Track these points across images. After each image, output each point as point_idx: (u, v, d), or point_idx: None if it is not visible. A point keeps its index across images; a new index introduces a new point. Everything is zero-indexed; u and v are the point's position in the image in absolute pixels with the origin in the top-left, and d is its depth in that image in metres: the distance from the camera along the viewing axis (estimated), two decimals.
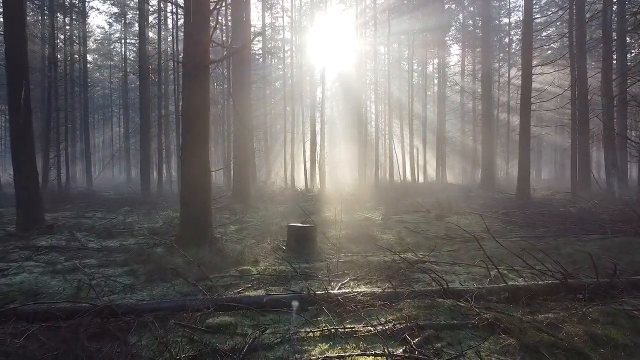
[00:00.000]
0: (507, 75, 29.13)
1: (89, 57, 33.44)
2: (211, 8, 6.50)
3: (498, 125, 28.03)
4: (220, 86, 27.43)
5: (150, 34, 24.84)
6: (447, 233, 7.48)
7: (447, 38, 30.77)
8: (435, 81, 31.16)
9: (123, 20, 29.88)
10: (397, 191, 17.90)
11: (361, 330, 2.86)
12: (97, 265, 5.19)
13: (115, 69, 36.24)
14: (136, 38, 25.34)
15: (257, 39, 27.18)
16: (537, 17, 23.44)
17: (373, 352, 2.54)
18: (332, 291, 3.61)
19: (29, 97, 7.61)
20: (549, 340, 2.66)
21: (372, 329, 2.86)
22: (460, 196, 15.66)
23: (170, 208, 11.84)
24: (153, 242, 6.67)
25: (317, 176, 21.47)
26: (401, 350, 2.55)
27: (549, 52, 26.84)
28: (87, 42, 28.56)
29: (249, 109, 13.91)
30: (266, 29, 27.60)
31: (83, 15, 23.96)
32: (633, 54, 22.05)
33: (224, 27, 22.65)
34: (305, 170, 21.82)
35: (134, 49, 30.76)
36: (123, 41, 32.45)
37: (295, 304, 3.38)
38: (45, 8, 21.77)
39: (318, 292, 3.52)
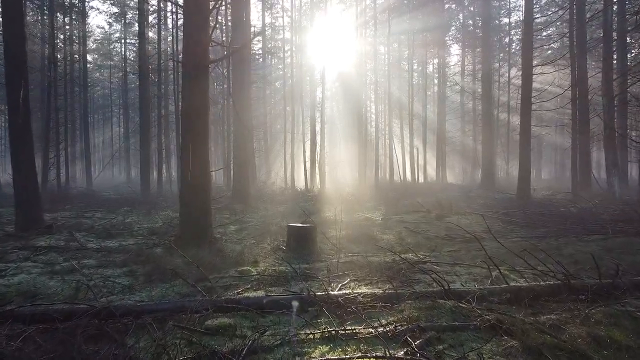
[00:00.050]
0: (507, 75, 29.10)
1: (89, 57, 33.42)
2: (211, 8, 6.48)
3: (498, 125, 28.00)
4: (220, 86, 27.40)
5: (150, 34, 24.84)
6: (448, 233, 7.45)
7: (447, 38, 30.76)
8: (435, 81, 31.14)
9: (123, 20, 29.84)
10: (397, 191, 17.88)
11: (362, 332, 2.83)
12: (95, 265, 5.16)
13: (115, 68, 36.20)
14: (136, 38, 25.30)
15: (257, 38, 27.18)
16: (538, 17, 23.44)
17: (374, 355, 2.51)
18: (332, 292, 3.58)
19: (28, 97, 7.59)
20: (552, 342, 2.63)
21: (373, 330, 2.83)
22: (460, 196, 15.63)
23: (170, 208, 11.81)
24: (152, 243, 6.65)
25: (317, 176, 21.45)
26: (402, 352, 2.52)
27: (549, 52, 26.79)
28: (87, 42, 28.55)
29: (248, 108, 13.88)
30: (266, 29, 27.58)
31: (83, 15, 23.92)
32: (633, 54, 22.05)
33: (224, 27, 22.63)
34: (305, 170, 21.79)
35: (134, 48, 30.75)
36: (123, 41, 32.45)
37: (295, 305, 3.34)
38: (45, 8, 21.75)
39: (318, 293, 3.49)
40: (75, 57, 24.14)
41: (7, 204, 11.38)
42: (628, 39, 19.96)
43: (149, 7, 21.99)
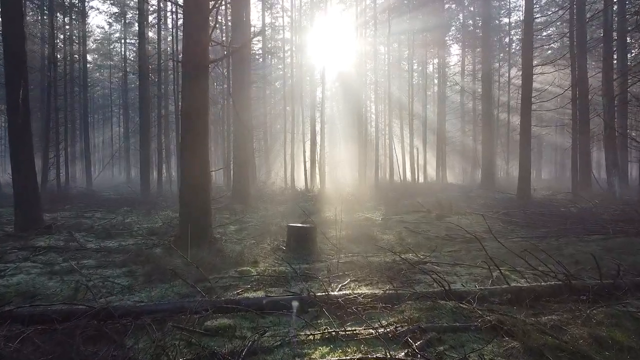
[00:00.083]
0: (507, 75, 29.08)
1: (89, 57, 33.39)
2: (210, 7, 6.47)
3: (498, 125, 27.99)
4: (220, 86, 27.38)
5: (150, 34, 24.82)
6: (448, 233, 7.44)
7: (447, 38, 30.75)
8: (435, 81, 31.13)
9: (123, 20, 29.83)
10: (397, 191, 17.86)
11: (362, 333, 2.82)
12: (95, 266, 5.15)
13: (115, 68, 36.18)
14: (136, 38, 25.29)
15: (257, 38, 27.18)
16: (538, 17, 23.42)
17: (375, 356, 2.50)
18: (332, 293, 3.56)
19: (27, 97, 7.58)
20: (553, 343, 2.62)
21: (373, 331, 2.82)
22: (460, 196, 15.61)
23: (169, 208, 11.80)
24: (152, 243, 6.63)
25: (317, 176, 21.43)
26: (403, 353, 2.51)
27: (549, 52, 26.77)
28: (87, 42, 28.53)
29: (248, 108, 13.87)
30: (266, 28, 27.57)
31: (83, 15, 23.91)
32: (633, 54, 22.04)
33: (224, 27, 22.62)
34: (305, 170, 21.78)
35: (134, 48, 30.73)
36: (123, 41, 32.44)
37: (295, 305, 3.33)
38: (45, 8, 21.73)
39: (318, 294, 3.47)
40: (75, 57, 24.12)
41: (6, 204, 11.36)
42: (628, 39, 19.94)
43: (149, 7, 21.97)
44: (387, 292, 3.59)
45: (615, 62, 16.46)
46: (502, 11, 31.71)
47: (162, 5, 21.40)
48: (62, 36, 23.04)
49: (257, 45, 28.77)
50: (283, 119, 25.00)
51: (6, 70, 7.55)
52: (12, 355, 2.40)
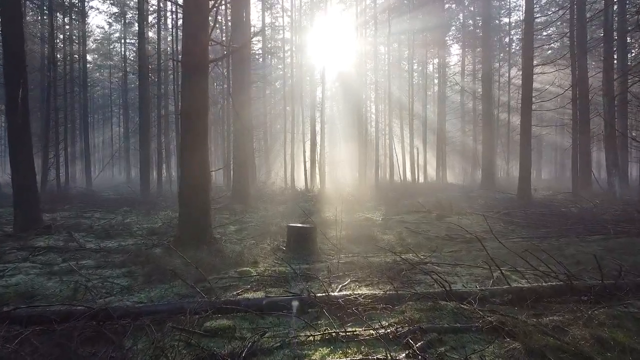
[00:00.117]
0: (507, 75, 29.06)
1: (89, 57, 33.37)
2: (210, 7, 6.46)
3: (498, 125, 27.97)
4: (220, 86, 27.38)
5: (150, 34, 24.81)
6: (448, 233, 7.42)
7: (447, 38, 30.73)
8: (436, 81, 31.11)
9: (123, 20, 29.81)
10: (397, 191, 17.85)
11: (363, 334, 2.80)
12: (94, 266, 5.13)
13: (115, 68, 36.16)
14: (136, 38, 25.29)
15: (257, 38, 27.18)
16: (538, 17, 23.41)
17: (375, 357, 2.48)
18: (332, 293, 3.55)
19: (27, 97, 7.56)
20: (555, 344, 2.60)
21: (373, 332, 2.80)
22: (460, 196, 15.60)
23: (169, 208, 11.78)
24: (152, 243, 6.61)
25: (317, 176, 21.42)
26: (404, 354, 2.49)
27: (550, 52, 26.76)
28: (87, 41, 28.49)
29: (248, 108, 13.85)
30: (266, 28, 27.56)
31: (82, 15, 23.88)
32: (634, 54, 22.03)
33: (224, 27, 22.61)
34: (305, 170, 21.77)
35: (134, 48, 30.72)
36: (123, 41, 32.43)
37: (295, 306, 3.31)
38: (45, 8, 21.70)
39: (318, 295, 3.45)
40: (75, 57, 24.09)
41: (6, 204, 11.34)
42: (628, 38, 19.95)
43: (149, 7, 21.98)
44: (388, 292, 3.57)
45: (615, 61, 16.44)
46: (502, 11, 31.71)
47: (162, 5, 21.42)
48: (62, 36, 23.03)
49: (257, 45, 28.79)
50: (283, 119, 24.99)
51: (5, 70, 7.53)
52: (10, 357, 2.38)
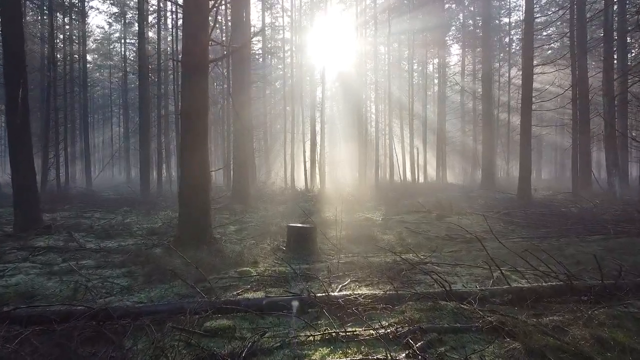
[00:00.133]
0: (507, 75, 29.05)
1: (89, 57, 33.37)
2: (210, 7, 6.46)
3: (498, 125, 27.97)
4: (220, 86, 27.37)
5: (150, 34, 24.81)
6: (448, 233, 7.42)
7: (447, 38, 30.72)
8: (436, 81, 31.11)
9: (123, 20, 29.81)
10: (397, 191, 17.85)
11: (363, 334, 2.80)
12: (94, 266, 5.13)
13: (115, 68, 36.16)
14: (136, 38, 25.28)
15: (257, 38, 27.18)
16: (538, 17, 23.41)
17: (375, 357, 2.48)
18: (332, 293, 3.54)
19: (26, 97, 7.56)
20: (555, 344, 2.60)
21: (374, 332, 2.80)
22: (460, 196, 15.60)
23: (169, 208, 11.78)
24: (152, 243, 6.61)
25: (317, 176, 21.42)
26: (404, 354, 2.49)
27: (550, 52, 26.76)
28: (87, 41, 28.49)
29: (248, 108, 13.85)
30: (266, 28, 27.56)
31: (82, 15, 23.88)
32: (634, 54, 22.03)
33: (224, 27, 22.61)
34: (305, 170, 21.77)
35: (134, 48, 30.71)
36: (123, 41, 32.42)
37: (295, 306, 3.31)
38: (45, 8, 21.70)
39: (318, 295, 3.45)
40: (75, 57, 24.09)
41: (6, 204, 11.34)
42: (628, 38, 19.95)
43: (149, 7, 21.98)
44: (388, 292, 3.57)
45: (615, 61, 16.45)
46: (502, 11, 31.71)
47: (162, 5, 21.42)
48: (62, 36, 23.02)
49: (257, 45, 28.79)
50: (283, 119, 24.99)
51: (5, 70, 7.53)
52: (10, 357, 2.38)
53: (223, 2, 8.22)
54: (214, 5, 6.51)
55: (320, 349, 2.65)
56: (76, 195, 16.37)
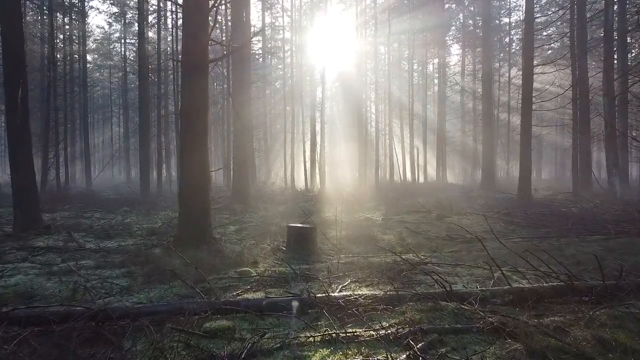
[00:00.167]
0: (507, 75, 29.04)
1: (89, 57, 33.34)
2: (210, 7, 6.45)
3: (498, 125, 27.96)
4: (220, 86, 27.36)
5: (150, 34, 24.80)
6: (449, 234, 7.41)
7: (447, 38, 30.71)
8: (436, 81, 31.10)
9: (123, 20, 29.79)
10: (397, 191, 17.84)
11: (363, 335, 2.78)
12: (94, 266, 5.12)
13: (115, 68, 36.14)
14: (136, 38, 25.27)
15: (257, 38, 27.16)
16: (538, 17, 23.38)
17: (376, 358, 2.47)
18: (332, 294, 3.53)
19: (26, 96, 7.55)
20: (556, 345, 2.58)
21: (374, 333, 2.78)
22: (461, 196, 15.59)
23: (169, 208, 11.77)
24: (151, 243, 6.60)
25: (317, 176, 21.41)
26: (405, 355, 2.48)
27: (550, 52, 26.75)
28: (87, 41, 28.47)
29: (248, 108, 13.84)
30: (266, 28, 27.55)
31: (82, 15, 23.86)
32: (634, 54, 22.02)
33: (224, 27, 22.60)
34: (305, 170, 21.76)
35: (134, 48, 30.70)
36: (123, 41, 32.41)
37: (295, 306, 3.29)
38: (45, 7, 21.69)
39: (318, 295, 3.44)
40: (75, 57, 24.07)
41: (6, 204, 11.32)
42: (629, 38, 19.93)
43: (149, 7, 21.97)
44: (388, 293, 3.56)
45: (615, 61, 16.44)
46: (503, 11, 31.69)
47: (162, 5, 21.41)
48: (61, 36, 23.01)
49: (257, 45, 28.77)
50: (283, 119, 24.98)
51: (5, 69, 7.53)
52: (8, 358, 2.37)
53: (223, 2, 8.21)
54: (213, 5, 6.50)
55: (320, 350, 2.64)
56: (76, 195, 16.35)
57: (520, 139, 13.76)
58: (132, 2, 27.82)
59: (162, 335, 2.77)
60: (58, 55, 20.61)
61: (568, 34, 16.44)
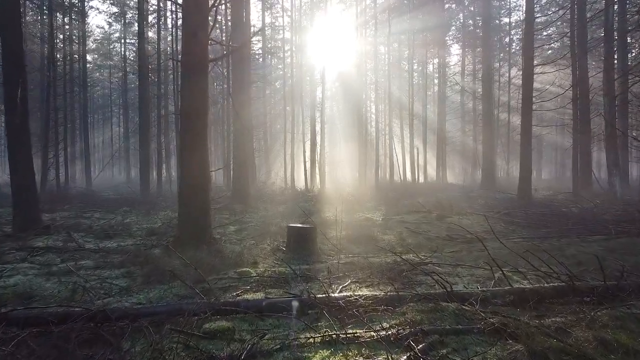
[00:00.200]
0: (507, 75, 29.01)
1: (89, 57, 33.31)
2: (210, 7, 6.43)
3: (498, 125, 27.93)
4: (220, 86, 27.35)
5: (150, 34, 24.78)
6: (449, 234, 7.39)
7: (447, 38, 30.70)
8: (436, 81, 31.08)
9: (122, 20, 29.77)
10: (397, 191, 17.82)
11: (363, 336, 2.77)
12: (93, 266, 5.10)
13: (114, 68, 36.12)
14: (136, 38, 25.25)
15: (257, 38, 27.15)
16: (538, 17, 23.36)
17: (376, 359, 2.45)
18: (333, 294, 3.51)
19: (26, 96, 7.53)
20: (558, 346, 2.57)
21: (374, 334, 2.77)
22: (461, 196, 15.57)
23: (169, 208, 11.75)
24: (151, 243, 6.59)
25: (317, 176, 21.40)
26: (405, 357, 2.47)
27: (550, 51, 26.74)
28: (87, 41, 28.45)
29: (248, 108, 13.83)
30: (266, 28, 27.53)
31: (82, 14, 23.84)
32: (634, 54, 22.00)
33: (224, 27, 22.59)
34: (305, 170, 21.74)
35: (134, 48, 30.69)
36: (123, 41, 32.40)
37: (295, 307, 3.28)
38: (45, 7, 21.67)
39: (318, 296, 3.43)
40: (75, 57, 24.04)
41: (5, 204, 11.30)
42: (629, 38, 19.91)
43: (149, 7, 21.95)
44: (389, 293, 3.54)
45: (615, 61, 16.42)
46: (503, 11, 31.67)
47: (162, 5, 21.40)
48: (61, 36, 23.00)
49: (257, 45, 28.76)
50: (283, 119, 24.96)
51: (4, 69, 7.51)
52: (6, 359, 2.35)
53: (223, 2, 8.20)
54: (213, 5, 6.48)
55: (320, 351, 2.63)
56: (76, 195, 16.34)
57: (520, 139, 13.75)
58: (132, 2, 27.81)
59: (162, 336, 2.75)
60: (58, 55, 20.61)
61: (568, 34, 16.43)
